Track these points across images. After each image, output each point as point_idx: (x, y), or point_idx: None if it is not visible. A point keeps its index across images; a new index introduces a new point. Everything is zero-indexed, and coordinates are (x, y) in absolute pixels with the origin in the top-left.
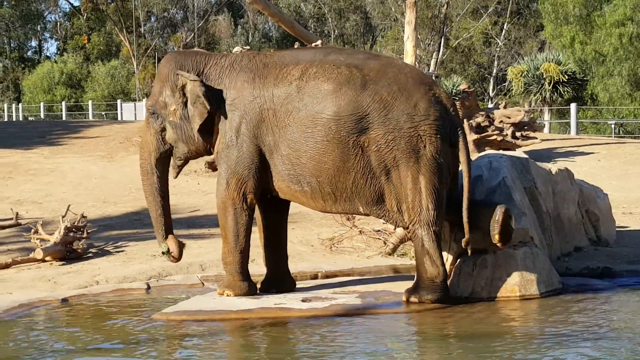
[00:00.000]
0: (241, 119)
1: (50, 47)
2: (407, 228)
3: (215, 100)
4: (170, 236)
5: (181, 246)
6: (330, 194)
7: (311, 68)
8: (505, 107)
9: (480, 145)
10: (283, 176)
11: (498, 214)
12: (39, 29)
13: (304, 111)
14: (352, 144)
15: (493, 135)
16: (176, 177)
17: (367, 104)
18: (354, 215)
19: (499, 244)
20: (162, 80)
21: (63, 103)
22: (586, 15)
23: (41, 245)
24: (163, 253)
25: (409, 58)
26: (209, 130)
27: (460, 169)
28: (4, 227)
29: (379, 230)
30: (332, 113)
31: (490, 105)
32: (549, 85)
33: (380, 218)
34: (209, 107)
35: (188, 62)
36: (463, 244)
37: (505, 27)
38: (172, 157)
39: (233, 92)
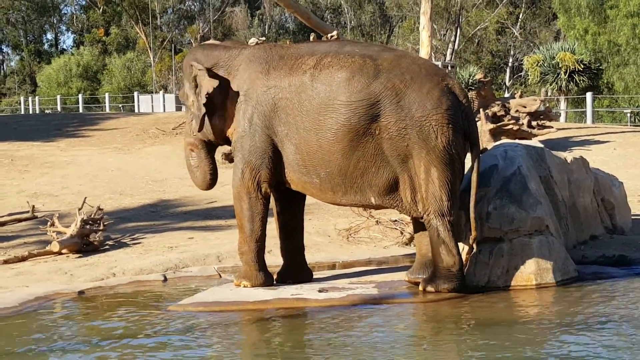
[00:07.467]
0: (254, 109)
1: (67, 39)
2: (422, 218)
3: (225, 91)
4: None
5: None
6: (340, 184)
7: (326, 58)
8: (521, 97)
9: (496, 134)
10: (294, 166)
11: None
12: (55, 21)
13: (317, 99)
14: (363, 131)
15: (509, 124)
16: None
17: (379, 90)
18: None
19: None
20: (184, 73)
21: (80, 96)
22: (599, 6)
23: (58, 238)
24: None
25: (424, 48)
26: (223, 119)
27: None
28: (20, 220)
29: (395, 220)
30: (344, 99)
31: (506, 95)
32: (565, 75)
33: (393, 208)
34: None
35: (204, 55)
36: (470, 241)
37: (520, 17)
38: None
39: (247, 82)
